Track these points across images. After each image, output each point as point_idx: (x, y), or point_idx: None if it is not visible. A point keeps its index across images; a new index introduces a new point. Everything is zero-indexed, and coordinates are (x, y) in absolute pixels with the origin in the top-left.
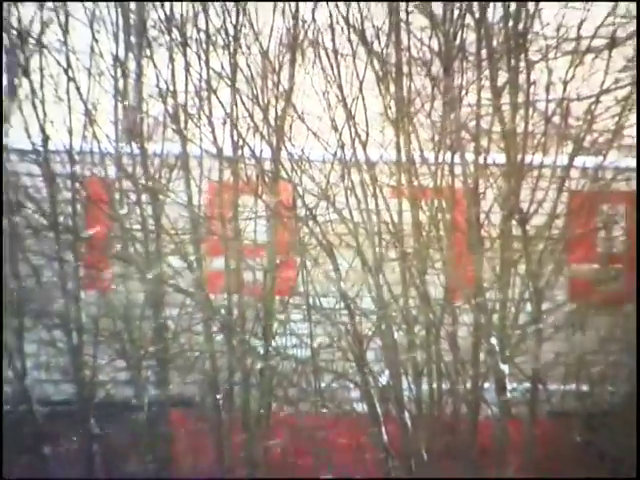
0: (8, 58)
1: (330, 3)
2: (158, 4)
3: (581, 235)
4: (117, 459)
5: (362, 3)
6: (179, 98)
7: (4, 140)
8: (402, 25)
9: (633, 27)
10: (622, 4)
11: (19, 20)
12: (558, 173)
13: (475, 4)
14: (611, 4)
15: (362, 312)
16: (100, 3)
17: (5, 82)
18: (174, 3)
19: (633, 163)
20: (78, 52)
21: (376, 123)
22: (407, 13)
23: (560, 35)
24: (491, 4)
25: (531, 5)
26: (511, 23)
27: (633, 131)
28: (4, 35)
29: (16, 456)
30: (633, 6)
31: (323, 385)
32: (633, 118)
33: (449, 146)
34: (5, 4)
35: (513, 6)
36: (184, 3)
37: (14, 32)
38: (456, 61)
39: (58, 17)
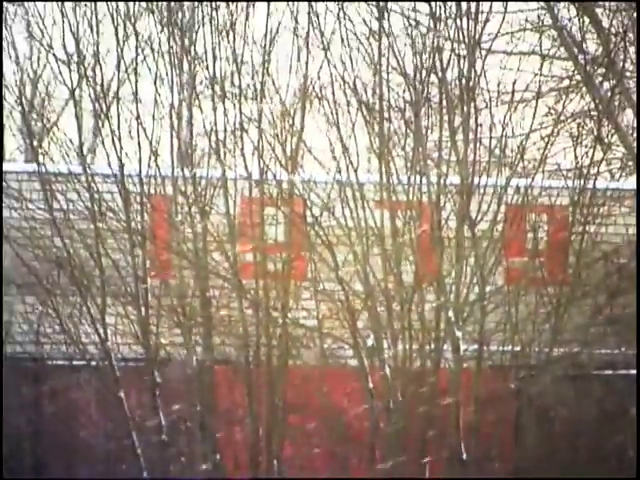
0: (93, 105)
1: (331, 66)
2: (204, 65)
3: (514, 236)
4: (173, 401)
5: (354, 66)
6: (219, 136)
7: (92, 168)
8: (383, 82)
9: (553, 84)
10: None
11: (102, 78)
12: (498, 191)
13: (437, 66)
14: (537, 66)
15: (354, 292)
16: (160, 65)
17: (91, 124)
18: (216, 65)
19: (554, 183)
20: (144, 102)
21: (364, 154)
22: (387, 73)
23: (500, 89)
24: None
25: (478, 67)
26: (464, 81)
27: (554, 159)
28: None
29: (98, 398)
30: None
31: (325, 346)
32: (554, 150)
33: (418, 171)
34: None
35: (466, 66)
36: (223, 65)
37: (98, 87)
38: (423, 108)
39: (128, 76)
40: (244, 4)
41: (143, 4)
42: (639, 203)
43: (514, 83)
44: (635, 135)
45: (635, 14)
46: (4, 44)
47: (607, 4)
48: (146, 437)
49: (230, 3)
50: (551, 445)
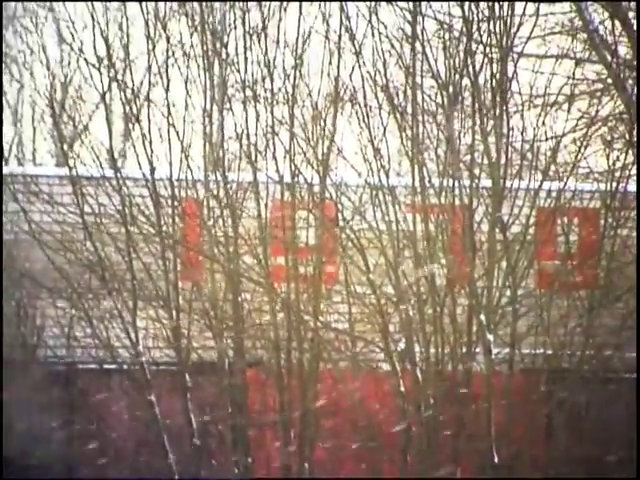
0: (124, 109)
1: (362, 69)
2: (235, 68)
3: (546, 240)
4: (205, 405)
5: (386, 69)
6: (251, 139)
7: (123, 172)
8: (416, 85)
9: (585, 87)
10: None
11: (132, 81)
12: (530, 194)
13: (470, 69)
14: (569, 69)
15: (385, 296)
16: (191, 69)
17: (122, 127)
18: (247, 68)
19: (587, 187)
20: (176, 105)
21: (396, 157)
22: (422, 77)
23: (532, 92)
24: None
25: (510, 70)
26: (495, 84)
27: (586, 163)
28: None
29: (128, 399)
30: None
31: (357, 349)
32: (586, 153)
33: (450, 174)
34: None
35: (498, 70)
36: (255, 69)
37: (129, 90)
38: (455, 112)
39: (161, 78)
40: (276, 7)
41: (175, 6)
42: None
43: (546, 87)
44: None
45: None
46: (35, 49)
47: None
48: (177, 440)
49: (262, 5)
50: (582, 449)
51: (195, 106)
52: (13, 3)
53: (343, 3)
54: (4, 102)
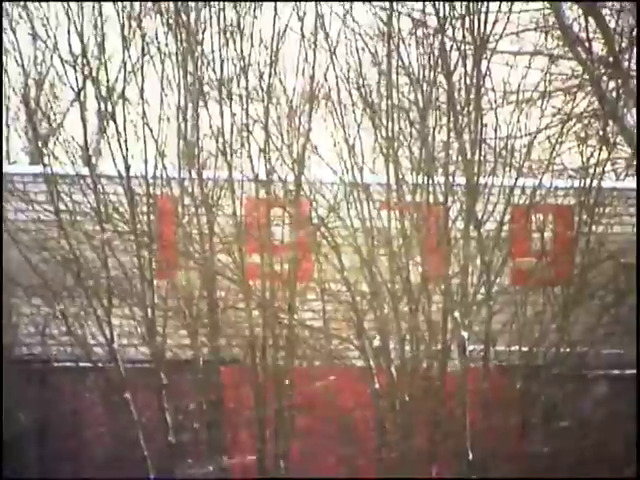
0: (98, 106)
1: (337, 67)
2: (210, 66)
3: (521, 237)
4: (181, 403)
5: (359, 69)
6: (226, 137)
7: (98, 169)
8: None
9: (559, 83)
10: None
11: (107, 78)
12: (505, 191)
13: (444, 66)
14: (545, 65)
15: (360, 293)
16: (167, 66)
17: (96, 125)
18: (223, 68)
19: (561, 184)
20: (151, 103)
21: (370, 155)
22: (397, 74)
23: (505, 89)
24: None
25: (483, 66)
26: (469, 80)
27: (560, 160)
28: None
29: (103, 399)
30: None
31: (332, 347)
32: (560, 150)
33: (424, 172)
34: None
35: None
36: (230, 67)
37: (104, 87)
38: (429, 109)
39: (136, 76)
40: (251, 5)
41: (149, 5)
42: (639, 203)
43: (520, 84)
44: None
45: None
46: (8, 47)
47: (611, 4)
48: (152, 438)
49: (237, 4)
50: (557, 445)
51: (170, 104)
52: None
53: (317, 2)
54: None
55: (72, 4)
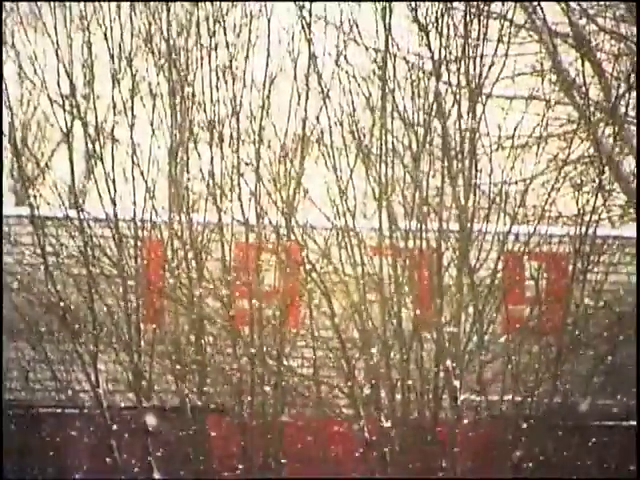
0: (86, 147)
1: (330, 110)
2: (201, 108)
3: (514, 284)
4: (167, 452)
5: (353, 112)
6: (216, 179)
7: (86, 211)
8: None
9: (553, 128)
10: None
11: (96, 118)
12: (498, 238)
13: (438, 110)
14: (541, 110)
15: (350, 340)
16: (158, 106)
17: (84, 166)
18: (215, 109)
19: (555, 231)
20: (140, 144)
21: (362, 199)
22: (392, 118)
23: (500, 134)
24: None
25: (479, 110)
26: (463, 125)
27: (555, 206)
28: None
29: (87, 446)
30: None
31: (321, 395)
32: (554, 196)
33: (417, 217)
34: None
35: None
36: (221, 110)
37: (92, 128)
38: (422, 153)
39: (126, 116)
40: (244, 46)
41: (141, 44)
42: (639, 250)
43: (515, 128)
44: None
45: (636, 59)
46: None
47: (608, 49)
48: None
49: (229, 44)
50: None
51: (160, 145)
52: None
53: (310, 43)
54: None
55: (62, 40)
